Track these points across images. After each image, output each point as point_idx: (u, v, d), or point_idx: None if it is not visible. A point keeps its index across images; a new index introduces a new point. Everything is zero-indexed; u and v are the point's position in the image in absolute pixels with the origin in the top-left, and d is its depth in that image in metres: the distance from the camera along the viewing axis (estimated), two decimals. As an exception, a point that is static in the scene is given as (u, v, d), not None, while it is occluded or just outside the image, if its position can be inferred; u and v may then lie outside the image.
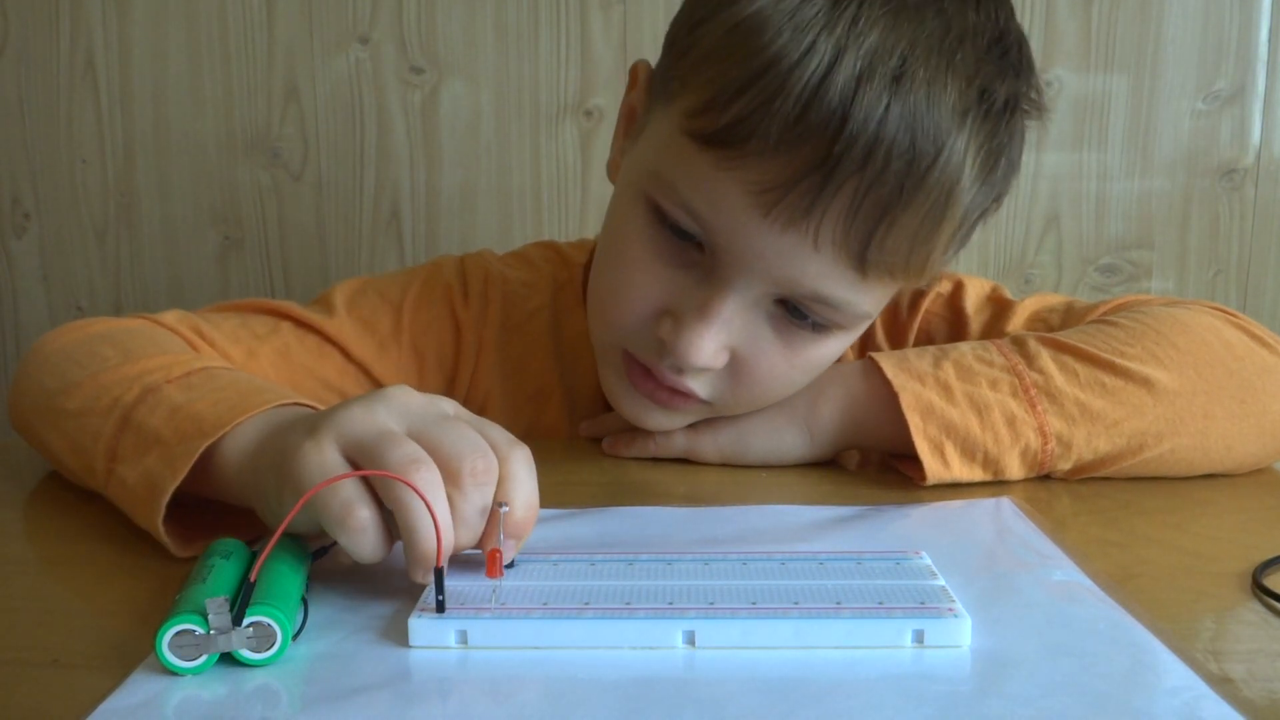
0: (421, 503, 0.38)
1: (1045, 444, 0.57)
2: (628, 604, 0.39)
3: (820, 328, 0.58)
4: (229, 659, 0.36)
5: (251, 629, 0.36)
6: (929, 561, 0.43)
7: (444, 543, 0.39)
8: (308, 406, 0.50)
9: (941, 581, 0.41)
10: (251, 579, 0.37)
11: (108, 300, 1.19)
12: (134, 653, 0.37)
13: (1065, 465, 0.58)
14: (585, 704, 0.34)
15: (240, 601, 0.36)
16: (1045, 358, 0.59)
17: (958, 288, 0.74)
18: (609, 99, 1.11)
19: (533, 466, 0.43)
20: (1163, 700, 0.33)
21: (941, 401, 0.57)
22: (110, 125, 1.15)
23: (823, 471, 0.61)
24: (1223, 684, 0.35)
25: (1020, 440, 0.57)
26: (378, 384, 0.69)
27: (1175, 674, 0.35)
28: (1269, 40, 1.09)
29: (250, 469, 0.46)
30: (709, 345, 0.57)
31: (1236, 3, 1.08)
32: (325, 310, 0.70)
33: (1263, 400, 0.60)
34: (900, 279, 0.58)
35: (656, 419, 0.64)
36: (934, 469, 0.57)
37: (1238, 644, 0.39)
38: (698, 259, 0.57)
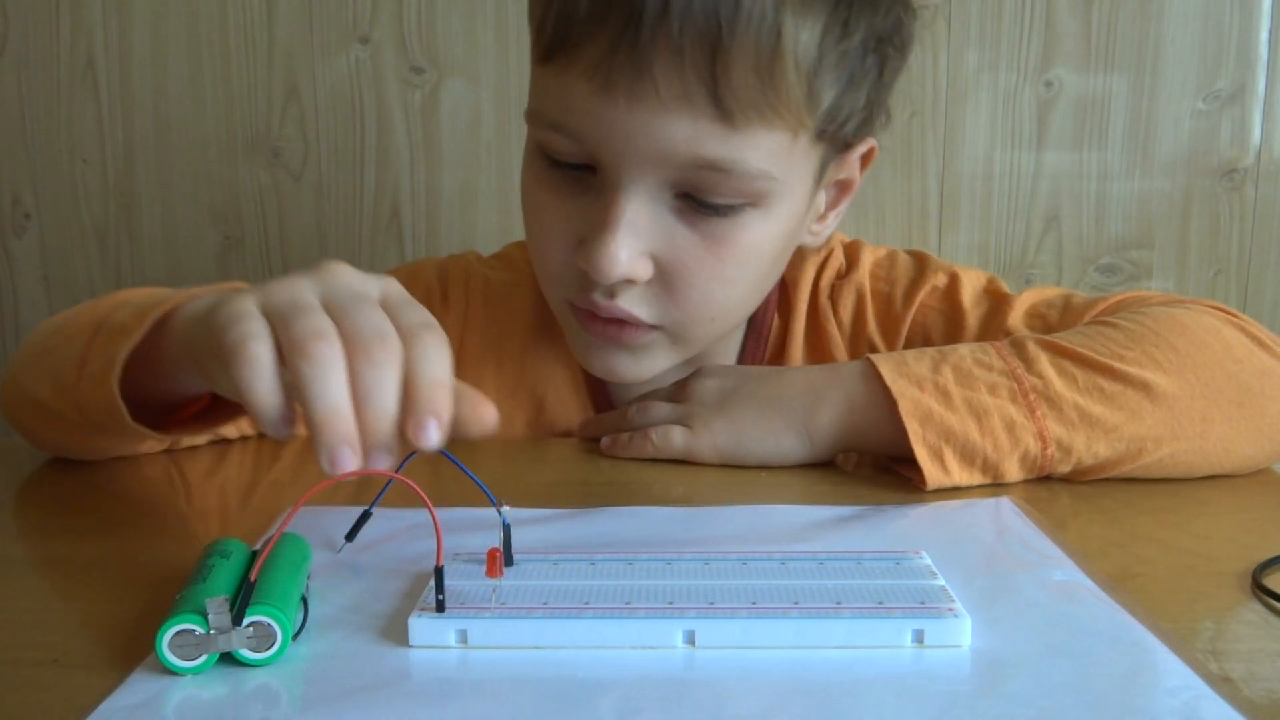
0: (320, 374, 0.37)
1: (1045, 449, 0.57)
2: (628, 604, 0.39)
3: (729, 209, 0.59)
4: (229, 659, 0.36)
5: (251, 629, 0.36)
6: (929, 561, 0.43)
7: (341, 420, 0.37)
8: None
9: (941, 581, 0.41)
10: (252, 579, 0.37)
11: (108, 300, 1.19)
12: (134, 653, 0.37)
13: (1065, 469, 0.58)
14: (585, 704, 0.34)
15: (240, 601, 0.36)
16: (1044, 362, 0.59)
17: (953, 280, 0.74)
18: (609, 99, 1.11)
19: (444, 348, 0.40)
20: (1163, 700, 0.33)
21: (940, 408, 0.57)
22: (110, 125, 1.15)
23: (822, 472, 0.61)
24: (1223, 684, 0.35)
25: (1020, 446, 0.57)
26: None
27: (1175, 674, 0.35)
28: (1269, 40, 1.09)
29: (194, 323, 0.47)
30: (619, 252, 0.57)
31: (1237, 3, 1.08)
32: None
33: (1260, 402, 0.60)
34: (780, 121, 0.56)
35: (624, 363, 0.65)
36: (934, 475, 0.56)
37: (1238, 644, 0.39)
38: (591, 182, 0.60)
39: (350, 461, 0.37)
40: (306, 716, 0.33)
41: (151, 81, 1.14)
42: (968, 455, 0.57)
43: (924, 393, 0.58)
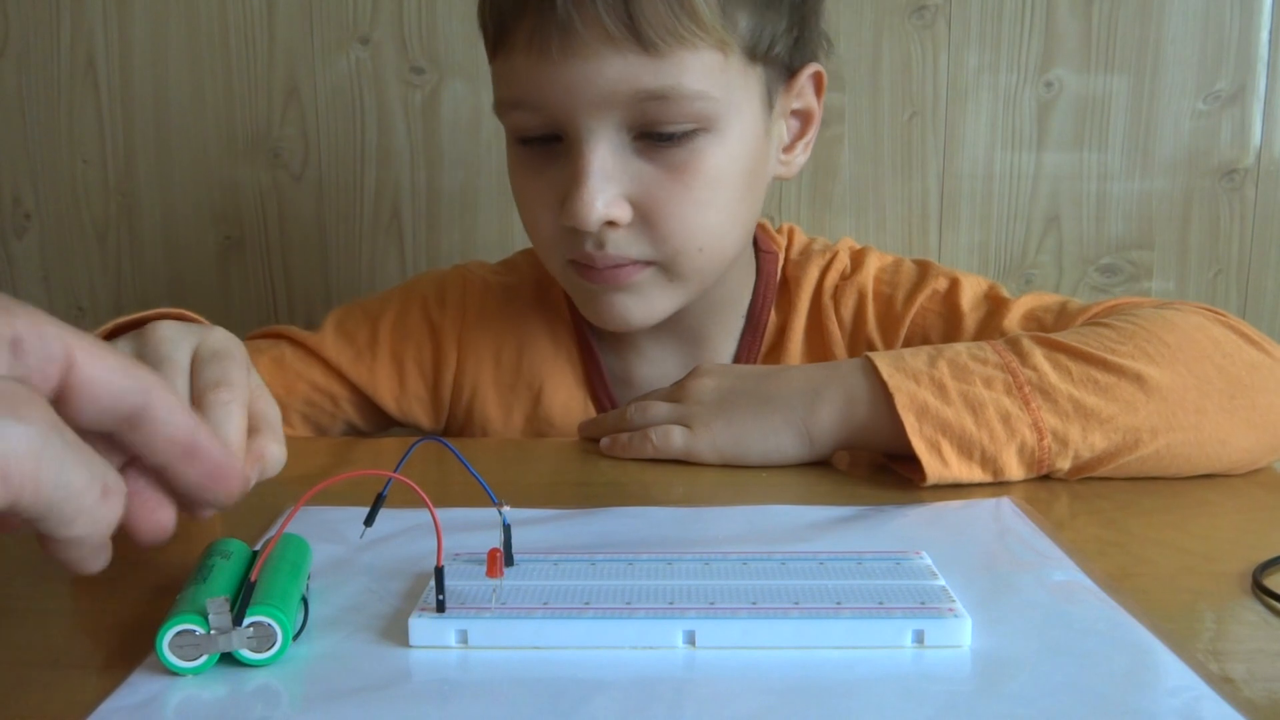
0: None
1: (1041, 440, 0.57)
2: (628, 604, 0.39)
3: (684, 136, 0.64)
4: (229, 659, 0.36)
5: (252, 629, 0.36)
6: (929, 561, 0.43)
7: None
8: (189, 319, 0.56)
9: (942, 581, 0.41)
10: (252, 579, 0.37)
11: (108, 300, 1.19)
12: (134, 653, 0.37)
13: (1064, 464, 0.58)
14: (585, 704, 0.34)
15: (240, 601, 0.36)
16: (1039, 356, 0.59)
17: (954, 285, 0.75)
18: (609, 99, 1.11)
19: (227, 407, 0.42)
20: (1163, 700, 0.33)
21: (936, 401, 0.58)
22: (110, 125, 1.15)
23: (822, 471, 0.61)
24: (1223, 684, 0.35)
25: (1016, 437, 0.57)
26: (355, 387, 0.79)
27: (1175, 674, 0.35)
28: (1269, 41, 1.09)
29: None
30: (594, 198, 0.63)
31: (1237, 3, 1.08)
32: (318, 329, 0.81)
33: (1251, 395, 0.60)
34: (701, 43, 0.62)
35: (629, 306, 0.69)
36: (933, 468, 0.56)
37: (1238, 644, 0.39)
38: (560, 149, 0.66)
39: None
40: (306, 716, 0.33)
41: (151, 81, 1.14)
42: (965, 447, 0.57)
43: (920, 386, 0.58)
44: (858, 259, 0.79)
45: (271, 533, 0.43)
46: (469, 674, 0.36)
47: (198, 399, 0.42)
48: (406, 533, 0.49)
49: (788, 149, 0.73)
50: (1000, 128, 1.11)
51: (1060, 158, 1.12)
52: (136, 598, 0.43)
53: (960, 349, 0.61)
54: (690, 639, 0.37)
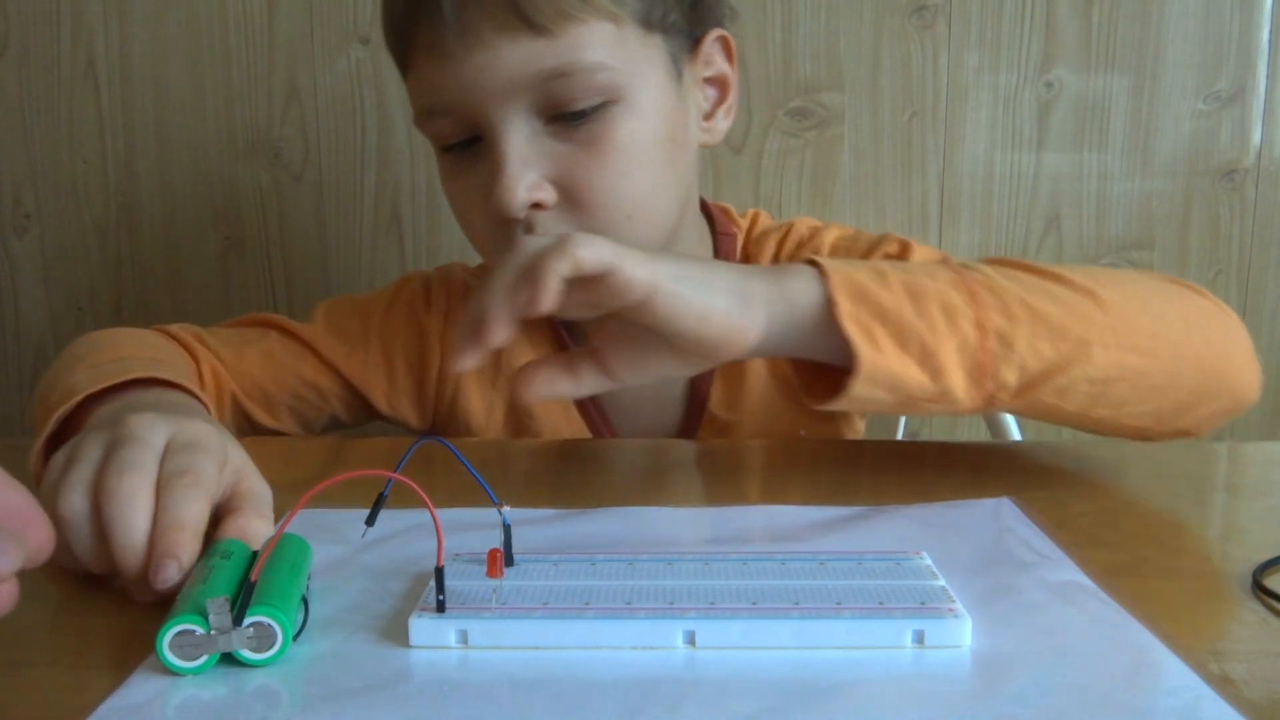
0: (70, 528, 0.43)
1: (984, 340, 0.53)
2: (628, 604, 0.39)
3: (593, 111, 0.64)
4: (229, 659, 0.36)
5: (252, 629, 0.36)
6: (929, 562, 0.43)
7: (92, 560, 0.43)
8: (175, 385, 0.59)
9: (942, 582, 0.41)
10: (252, 579, 0.37)
11: (108, 300, 1.19)
12: (134, 653, 0.37)
13: (1010, 374, 0.53)
14: (585, 704, 0.34)
15: (240, 601, 0.36)
16: (984, 266, 0.57)
17: (905, 247, 0.75)
18: (609, 99, 1.11)
19: (190, 492, 0.43)
20: (1163, 700, 0.33)
21: (875, 286, 0.53)
22: (110, 125, 1.15)
23: (822, 471, 0.61)
24: (1223, 684, 0.35)
25: (957, 332, 0.53)
26: (348, 380, 0.79)
27: (1175, 674, 0.35)
28: (1269, 41, 1.09)
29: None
30: (514, 182, 0.63)
31: (1237, 3, 1.08)
32: (309, 321, 0.81)
33: (1205, 332, 0.59)
34: (591, 17, 0.63)
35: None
36: (866, 354, 0.51)
37: (1238, 644, 0.39)
38: (479, 149, 0.66)
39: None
40: (306, 716, 0.33)
41: (151, 81, 1.14)
42: (902, 337, 0.52)
43: (857, 270, 0.54)
44: (816, 231, 0.80)
45: (271, 533, 0.43)
46: (469, 674, 0.36)
47: (162, 483, 0.43)
48: (406, 533, 0.49)
49: (708, 116, 0.73)
50: (1000, 128, 1.11)
51: (1060, 158, 1.12)
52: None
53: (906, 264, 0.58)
54: (690, 639, 0.37)
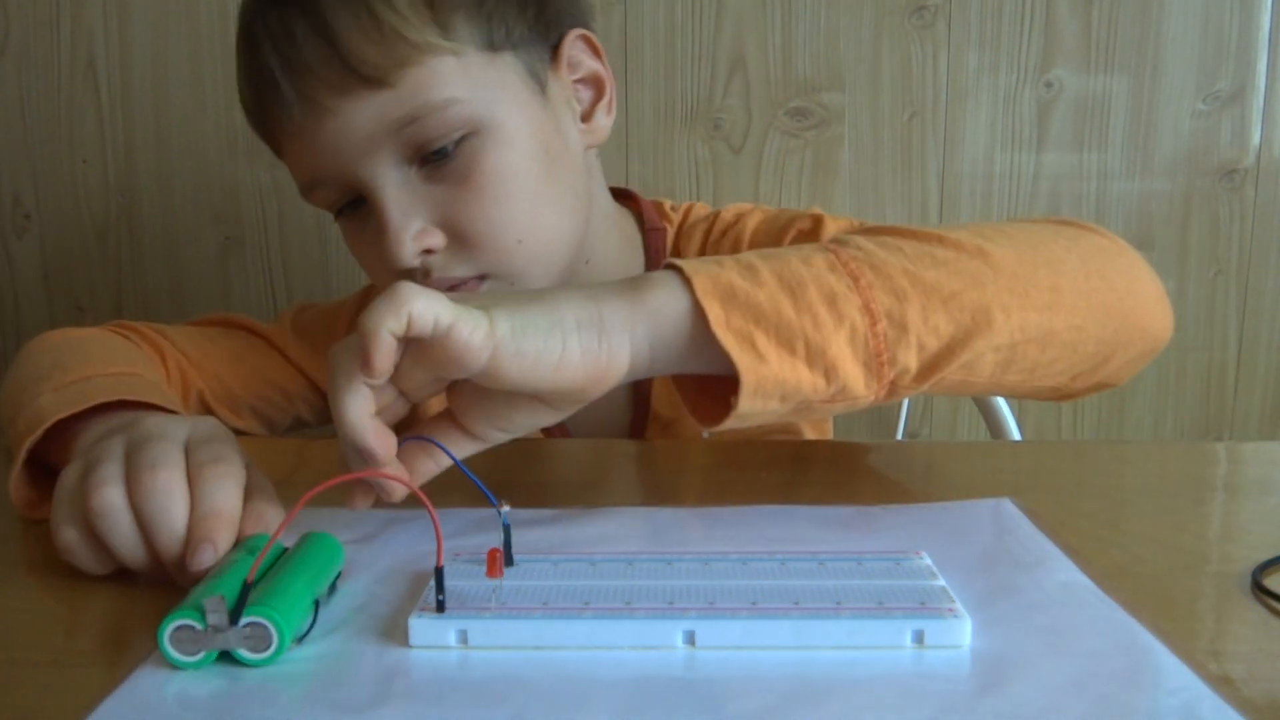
0: (107, 520, 0.43)
1: (874, 325, 0.48)
2: (628, 604, 0.39)
3: (455, 147, 0.64)
4: (232, 656, 0.36)
5: (249, 629, 0.36)
6: (929, 562, 0.43)
7: (131, 553, 0.43)
8: (150, 405, 0.56)
9: (941, 582, 0.41)
10: (249, 580, 0.37)
11: (108, 300, 1.19)
12: (134, 653, 0.37)
13: (908, 357, 0.49)
14: (585, 704, 0.34)
15: (239, 601, 0.36)
16: (862, 239, 0.52)
17: (818, 223, 0.74)
18: (609, 99, 1.11)
19: (224, 480, 0.44)
20: (1163, 700, 0.33)
21: (746, 283, 0.47)
22: (110, 125, 1.15)
23: (821, 472, 0.61)
24: (1223, 684, 0.35)
25: (845, 322, 0.47)
26: (311, 381, 0.79)
27: (1175, 674, 0.35)
28: (1269, 41, 1.09)
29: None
30: (400, 233, 0.63)
31: (1237, 3, 1.08)
32: (276, 322, 0.82)
33: (1106, 274, 0.55)
34: (426, 58, 0.62)
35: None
36: (748, 365, 0.46)
37: (1238, 644, 0.39)
38: (366, 208, 0.66)
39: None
40: (306, 716, 0.33)
41: (151, 81, 1.14)
42: (785, 338, 0.47)
43: (724, 268, 0.48)
44: (740, 217, 0.78)
45: (269, 535, 0.43)
46: (469, 674, 0.36)
47: (194, 473, 0.44)
48: (406, 533, 0.49)
49: (586, 118, 0.72)
50: (1000, 128, 1.11)
51: (1060, 158, 1.12)
52: (137, 597, 0.43)
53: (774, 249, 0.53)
54: (690, 639, 0.37)
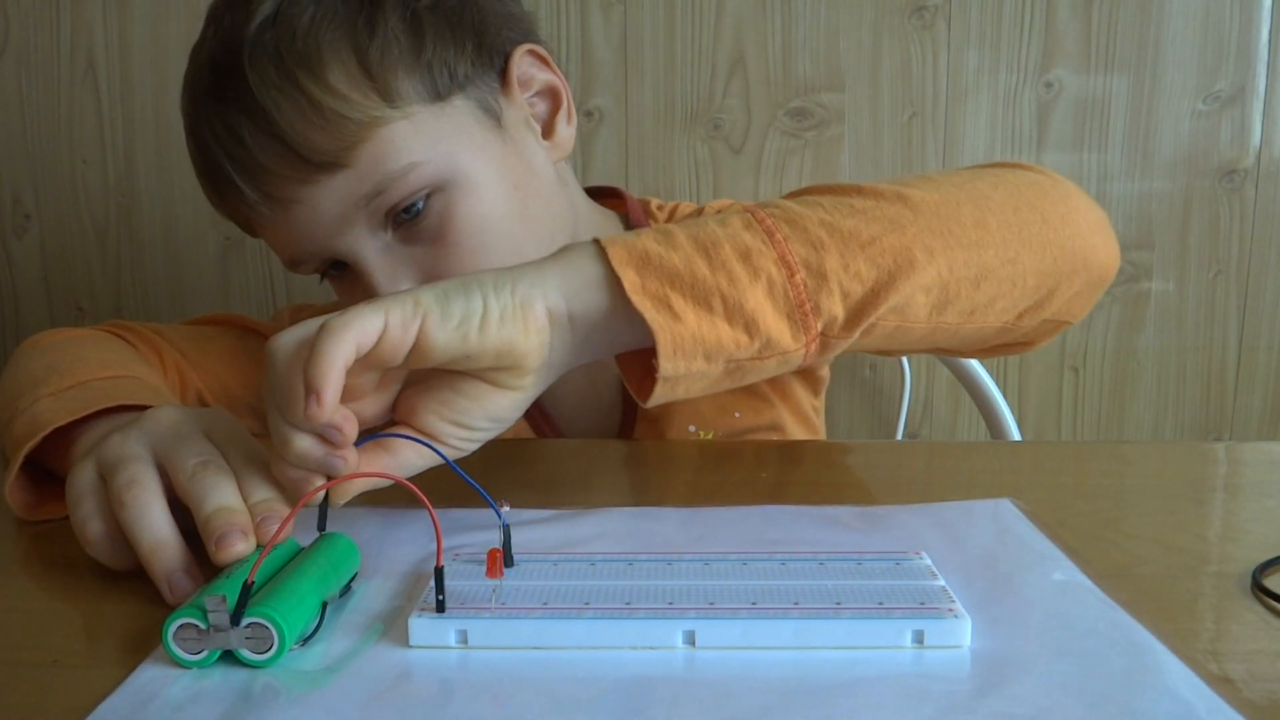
0: (134, 516, 0.43)
1: (792, 275, 0.47)
2: (628, 604, 0.39)
3: (424, 206, 0.64)
4: (234, 655, 0.36)
5: (250, 629, 0.36)
6: (929, 562, 0.43)
7: (159, 552, 0.42)
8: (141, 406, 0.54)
9: (941, 582, 0.41)
10: (249, 580, 0.37)
11: (108, 301, 1.19)
12: (134, 652, 0.38)
13: (834, 305, 0.48)
14: (585, 704, 0.34)
15: (239, 601, 0.36)
16: (780, 201, 0.52)
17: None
18: (609, 100, 1.11)
19: (258, 461, 0.45)
20: (1163, 700, 0.33)
21: (660, 248, 0.47)
22: (110, 125, 1.15)
23: (821, 472, 0.61)
24: (1223, 684, 0.35)
25: (761, 275, 0.47)
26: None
27: (1175, 674, 0.35)
28: (1269, 41, 1.09)
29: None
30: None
31: (1237, 3, 1.09)
32: (273, 320, 0.82)
33: (1038, 206, 0.54)
34: (378, 130, 0.62)
35: None
36: (665, 324, 0.45)
37: (1238, 644, 0.39)
38: (350, 270, 0.67)
39: (185, 584, 0.42)
40: (306, 716, 0.33)
41: (151, 81, 1.14)
42: (700, 295, 0.46)
43: (641, 238, 0.48)
44: (724, 210, 0.76)
45: (265, 537, 0.43)
46: (469, 674, 0.36)
47: (186, 483, 0.44)
48: (406, 533, 0.49)
49: (548, 132, 0.71)
50: (1000, 128, 1.11)
51: (1060, 158, 1.12)
52: (136, 598, 0.43)
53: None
54: (690, 639, 0.37)
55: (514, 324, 0.45)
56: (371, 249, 0.65)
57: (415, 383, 0.47)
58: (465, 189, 0.64)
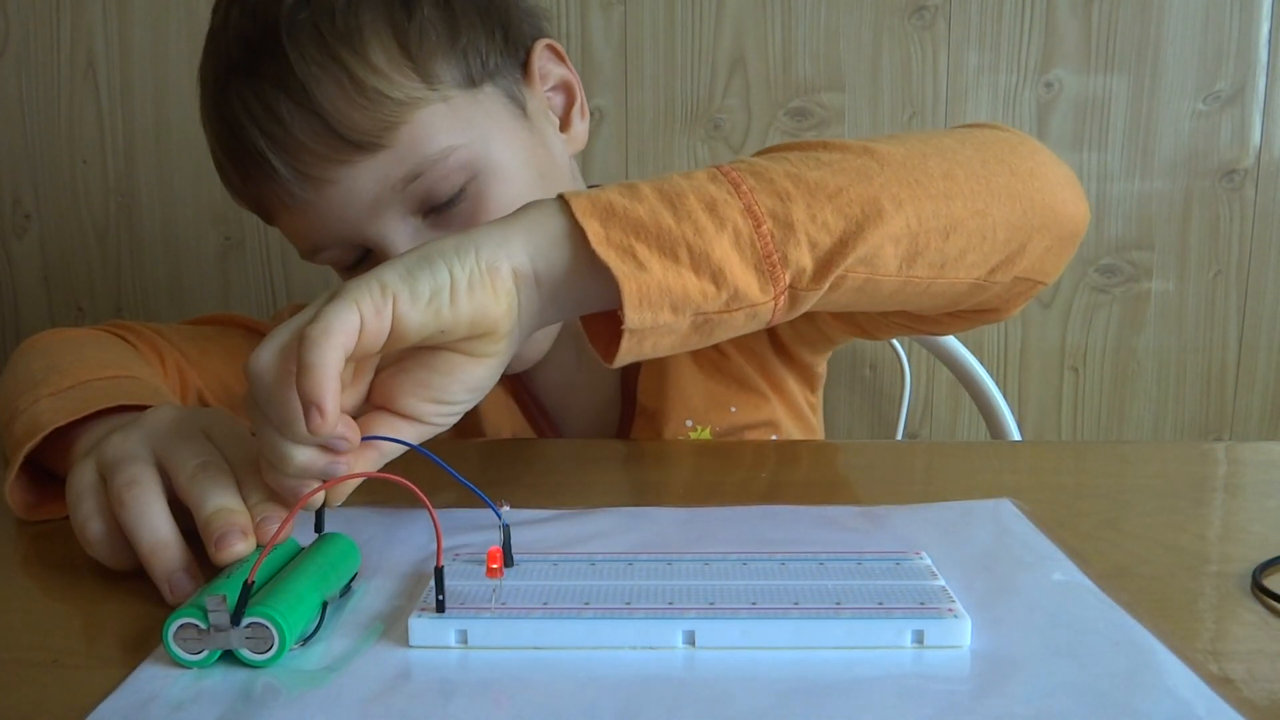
0: (134, 516, 0.43)
1: (759, 226, 0.47)
2: (628, 604, 0.39)
3: (460, 194, 0.63)
4: (234, 655, 0.36)
5: (250, 629, 0.36)
6: (929, 562, 0.43)
7: (159, 552, 0.42)
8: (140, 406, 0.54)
9: (941, 582, 0.41)
10: (249, 580, 0.37)
11: (108, 300, 1.19)
12: (134, 653, 0.38)
13: (802, 256, 0.48)
14: (585, 704, 0.34)
15: (240, 601, 0.36)
16: (747, 158, 0.51)
17: None
18: (609, 99, 1.11)
19: (220, 473, 0.45)
20: (1163, 700, 0.33)
21: (625, 200, 0.46)
22: (110, 125, 1.15)
23: (821, 472, 0.61)
24: (1223, 684, 0.35)
25: (727, 226, 0.46)
26: None
27: (1175, 674, 0.35)
28: (1269, 41, 1.09)
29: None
30: None
31: (1237, 3, 1.09)
32: (273, 320, 0.81)
33: (1007, 159, 0.54)
34: (415, 113, 0.62)
35: None
36: (629, 273, 0.45)
37: (1238, 644, 0.39)
38: (375, 258, 0.65)
39: (185, 584, 0.42)
40: (306, 716, 0.33)
41: (151, 81, 1.14)
42: (666, 245, 0.46)
43: (605, 191, 0.47)
44: None
45: (266, 537, 0.43)
46: (469, 674, 0.36)
47: (187, 484, 0.44)
48: (406, 533, 0.49)
49: (564, 126, 0.72)
50: (1000, 128, 1.11)
51: (1060, 157, 1.12)
52: (137, 597, 0.43)
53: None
54: (690, 639, 0.37)
55: (483, 290, 0.44)
56: (402, 233, 0.64)
57: (388, 365, 0.47)
58: (497, 175, 0.65)
